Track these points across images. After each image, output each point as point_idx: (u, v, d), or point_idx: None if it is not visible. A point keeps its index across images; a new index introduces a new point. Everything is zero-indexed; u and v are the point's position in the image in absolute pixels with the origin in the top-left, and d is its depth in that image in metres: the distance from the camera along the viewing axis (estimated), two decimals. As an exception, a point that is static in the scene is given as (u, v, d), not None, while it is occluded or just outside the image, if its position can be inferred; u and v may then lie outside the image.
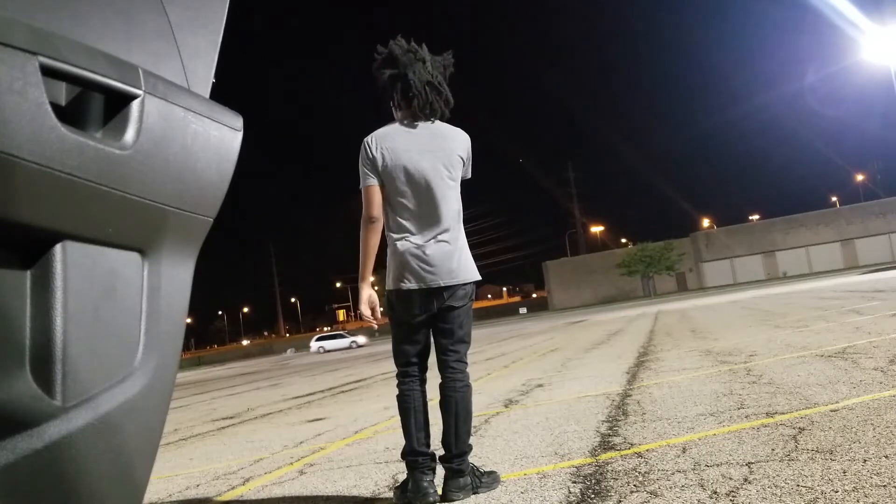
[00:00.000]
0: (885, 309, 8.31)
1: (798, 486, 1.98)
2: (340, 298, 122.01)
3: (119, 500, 0.88)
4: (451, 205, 2.51)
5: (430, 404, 2.58)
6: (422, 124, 2.52)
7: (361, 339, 43.12)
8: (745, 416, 3.10)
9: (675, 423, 3.23)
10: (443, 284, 2.47)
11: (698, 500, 2.00)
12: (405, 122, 2.52)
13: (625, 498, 2.15)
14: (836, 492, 1.87)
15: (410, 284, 2.48)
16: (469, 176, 2.63)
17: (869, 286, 15.87)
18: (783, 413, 3.05)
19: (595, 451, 2.89)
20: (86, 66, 0.81)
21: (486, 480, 2.52)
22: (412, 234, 2.50)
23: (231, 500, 3.05)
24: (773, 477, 2.10)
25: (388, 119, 2.59)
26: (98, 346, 0.86)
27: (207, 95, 1.06)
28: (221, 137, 1.03)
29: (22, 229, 0.76)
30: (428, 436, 2.52)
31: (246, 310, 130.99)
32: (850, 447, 2.30)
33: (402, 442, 2.53)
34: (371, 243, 2.57)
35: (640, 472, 2.42)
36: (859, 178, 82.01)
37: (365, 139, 2.51)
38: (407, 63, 2.45)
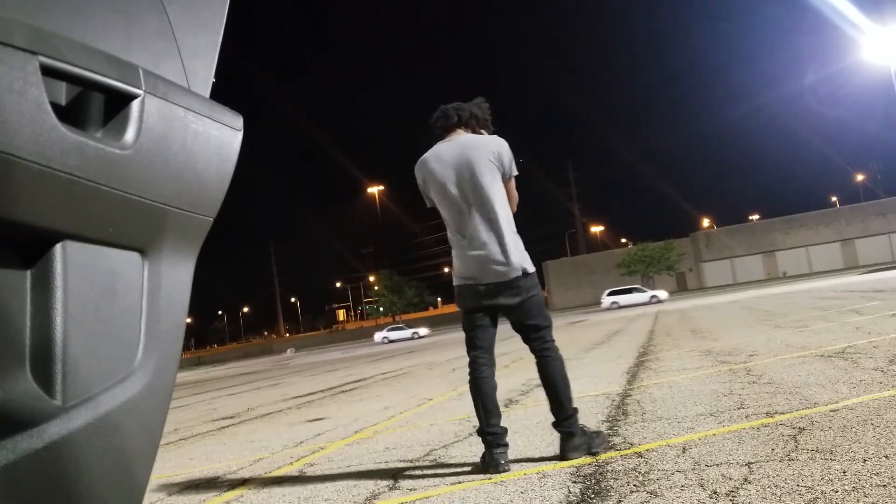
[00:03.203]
0: (885, 309, 8.31)
1: (798, 486, 1.98)
2: (340, 298, 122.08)
3: (119, 500, 0.88)
4: (487, 211, 2.77)
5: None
6: (453, 139, 2.89)
7: (663, 294, 37.11)
8: (745, 416, 3.10)
9: (675, 423, 3.23)
10: (479, 283, 2.78)
11: (698, 500, 2.00)
12: (442, 141, 2.92)
13: (625, 498, 2.15)
14: (836, 492, 1.87)
15: (460, 282, 2.87)
16: (515, 173, 2.88)
17: (869, 286, 15.88)
18: (783, 413, 3.05)
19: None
20: (86, 65, 0.81)
21: (597, 440, 2.81)
22: (458, 240, 2.85)
23: (231, 500, 3.05)
24: (773, 477, 2.10)
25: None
26: (98, 346, 0.85)
27: (208, 95, 1.06)
28: (222, 137, 1.03)
29: (22, 229, 0.76)
30: (495, 416, 2.80)
31: (246, 310, 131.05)
32: (850, 447, 2.30)
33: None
34: None
35: (640, 472, 2.42)
36: (859, 178, 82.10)
37: (415, 167, 2.95)
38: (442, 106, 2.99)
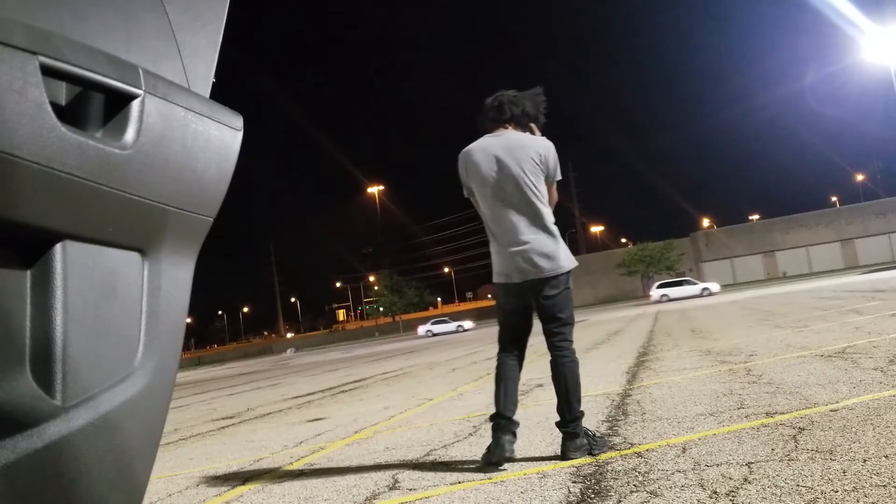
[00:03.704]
0: (885, 309, 8.31)
1: (798, 486, 1.98)
2: (340, 298, 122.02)
3: (119, 500, 0.88)
4: (529, 208, 2.83)
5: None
6: (501, 135, 2.93)
7: (714, 287, 35.10)
8: (745, 416, 3.10)
9: (675, 423, 3.23)
10: (521, 280, 2.83)
11: (698, 500, 2.00)
12: (490, 133, 2.97)
13: (625, 498, 2.15)
14: (836, 492, 1.87)
15: (500, 279, 2.92)
16: (558, 178, 2.95)
17: (869, 286, 15.87)
18: (783, 413, 3.05)
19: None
20: (86, 65, 0.81)
21: (599, 442, 2.85)
22: (496, 235, 2.91)
23: (231, 500, 3.05)
24: (773, 477, 2.10)
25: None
26: (98, 346, 0.85)
27: (207, 95, 1.05)
28: (222, 137, 1.03)
29: (22, 229, 0.76)
30: (513, 403, 2.87)
31: (246, 310, 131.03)
32: (850, 447, 2.30)
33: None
34: None
35: (640, 472, 2.42)
36: (859, 178, 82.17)
37: (459, 156, 2.99)
38: (500, 94, 3.03)
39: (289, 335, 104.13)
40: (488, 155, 2.88)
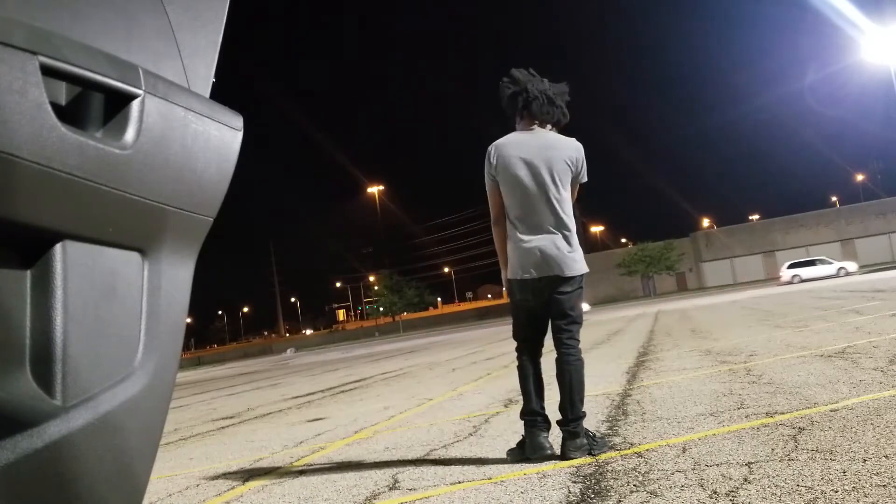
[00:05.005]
0: (885, 309, 8.31)
1: (798, 486, 1.98)
2: (340, 298, 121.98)
3: (119, 500, 0.88)
4: (554, 207, 2.87)
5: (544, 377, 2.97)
6: (536, 134, 2.95)
7: (852, 266, 31.70)
8: (745, 416, 3.10)
9: (674, 423, 3.23)
10: (539, 276, 2.86)
11: (698, 500, 2.00)
12: (523, 130, 2.98)
13: (624, 498, 2.15)
14: (836, 492, 1.87)
15: (517, 275, 2.92)
16: (585, 180, 3.01)
17: (869, 286, 15.88)
18: (783, 413, 3.05)
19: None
20: (86, 65, 0.81)
21: (599, 442, 2.85)
22: (520, 232, 2.91)
23: (231, 500, 3.05)
24: (773, 477, 2.10)
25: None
26: (98, 345, 0.85)
27: (208, 95, 1.05)
28: (222, 137, 1.03)
29: (22, 229, 0.76)
30: (542, 398, 2.93)
31: (246, 310, 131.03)
32: (850, 447, 2.30)
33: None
34: (498, 239, 3.03)
35: (639, 472, 2.42)
36: (859, 178, 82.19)
37: (489, 146, 2.98)
38: (526, 80, 2.96)
39: (307, 332, 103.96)
40: (522, 153, 2.90)
